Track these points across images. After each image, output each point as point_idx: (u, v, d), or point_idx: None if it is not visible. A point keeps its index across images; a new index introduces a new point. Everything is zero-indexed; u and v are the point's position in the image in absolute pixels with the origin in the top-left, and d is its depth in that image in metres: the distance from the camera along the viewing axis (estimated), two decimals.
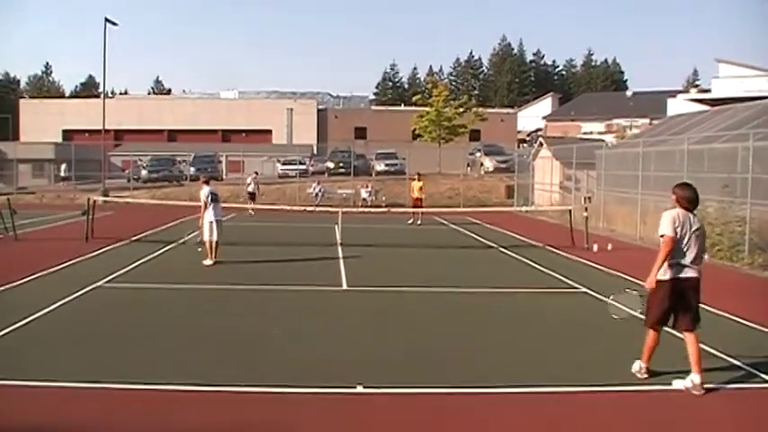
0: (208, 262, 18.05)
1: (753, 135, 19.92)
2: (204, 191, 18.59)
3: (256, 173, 39.03)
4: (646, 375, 8.71)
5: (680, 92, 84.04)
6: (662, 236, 8.36)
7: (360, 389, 8.30)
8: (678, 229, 8.33)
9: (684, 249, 8.36)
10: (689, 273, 8.37)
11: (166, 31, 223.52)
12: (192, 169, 52.65)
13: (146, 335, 10.96)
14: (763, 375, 8.70)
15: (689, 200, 8.54)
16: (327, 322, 12.15)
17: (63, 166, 54.32)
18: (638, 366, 8.81)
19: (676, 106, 62.25)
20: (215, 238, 18.33)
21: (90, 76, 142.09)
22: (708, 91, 64.55)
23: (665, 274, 8.40)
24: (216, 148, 62.28)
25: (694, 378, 8.21)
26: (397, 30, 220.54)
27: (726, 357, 8.65)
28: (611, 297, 9.60)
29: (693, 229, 8.41)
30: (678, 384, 8.35)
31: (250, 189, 36.63)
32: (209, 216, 18.33)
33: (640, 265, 19.08)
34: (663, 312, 8.47)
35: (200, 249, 18.78)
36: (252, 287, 15.22)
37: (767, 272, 17.07)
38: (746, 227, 18.53)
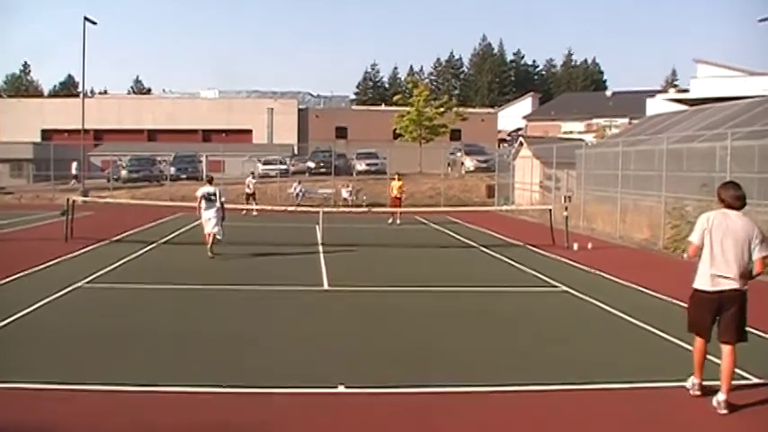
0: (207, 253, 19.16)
1: (731, 134, 20.06)
2: (200, 190, 19.90)
3: (252, 173, 39.18)
4: (698, 393, 8.09)
5: (659, 92, 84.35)
6: (689, 241, 8.04)
7: (341, 389, 8.29)
8: (708, 234, 7.80)
9: (720, 255, 7.75)
10: (726, 284, 7.73)
11: (147, 30, 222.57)
12: (173, 169, 52.48)
13: (127, 335, 10.91)
14: (743, 373, 8.75)
15: (732, 196, 7.89)
16: (308, 322, 12.14)
17: (74, 164, 53.85)
18: (690, 383, 8.22)
19: (655, 106, 62.50)
20: (208, 230, 19.44)
21: (69, 76, 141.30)
22: (686, 91, 64.80)
23: (698, 282, 7.93)
24: (196, 147, 61.99)
25: (720, 396, 7.70)
26: (378, 29, 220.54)
27: (714, 359, 8.69)
28: None
29: (735, 231, 7.74)
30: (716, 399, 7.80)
31: (249, 190, 36.53)
32: (204, 214, 19.51)
33: (620, 263, 19.32)
34: (698, 321, 8.00)
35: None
36: (232, 287, 15.19)
37: None
38: None
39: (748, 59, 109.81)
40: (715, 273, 7.75)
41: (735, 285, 7.73)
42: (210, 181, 20.49)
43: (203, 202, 19.46)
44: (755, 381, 8.52)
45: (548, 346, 10.69)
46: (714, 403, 7.76)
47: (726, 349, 7.82)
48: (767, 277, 8.86)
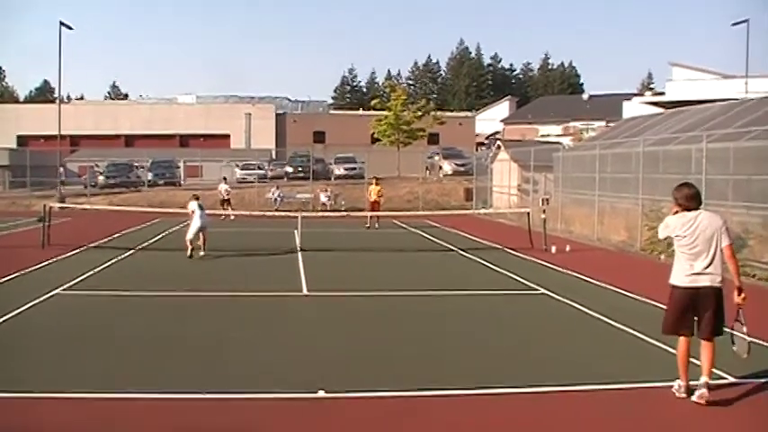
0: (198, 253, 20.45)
1: (706, 137, 20.22)
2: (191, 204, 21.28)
3: (225, 179, 39.08)
4: (685, 395, 8.06)
5: (635, 95, 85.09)
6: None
7: (321, 393, 8.28)
8: (672, 230, 8.07)
9: (693, 253, 7.92)
10: (701, 281, 7.90)
11: (123, 36, 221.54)
12: (150, 175, 52.24)
13: (105, 342, 10.84)
14: (721, 373, 8.81)
15: (686, 196, 8.07)
16: (288, 327, 12.12)
17: (61, 170, 53.31)
18: (676, 385, 8.20)
19: (632, 109, 62.97)
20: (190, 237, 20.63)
21: (45, 81, 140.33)
22: (662, 94, 65.44)
23: (675, 278, 8.08)
24: (174, 153, 61.75)
25: (702, 378, 7.93)
26: (356, 34, 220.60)
27: (695, 361, 8.73)
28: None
29: (703, 229, 7.91)
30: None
31: (221, 196, 36.44)
32: (195, 223, 20.68)
33: (598, 265, 19.43)
34: (677, 320, 8.05)
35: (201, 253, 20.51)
36: (211, 293, 15.13)
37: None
38: None
39: (723, 62, 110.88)
40: (692, 272, 7.93)
41: (710, 282, 7.90)
42: (196, 198, 21.79)
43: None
44: (732, 380, 8.59)
45: (527, 349, 10.74)
46: (695, 399, 7.90)
47: (707, 344, 8.02)
48: (744, 278, 8.92)
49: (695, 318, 8.00)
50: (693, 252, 7.91)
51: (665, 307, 8.31)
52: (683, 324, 8.04)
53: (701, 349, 8.05)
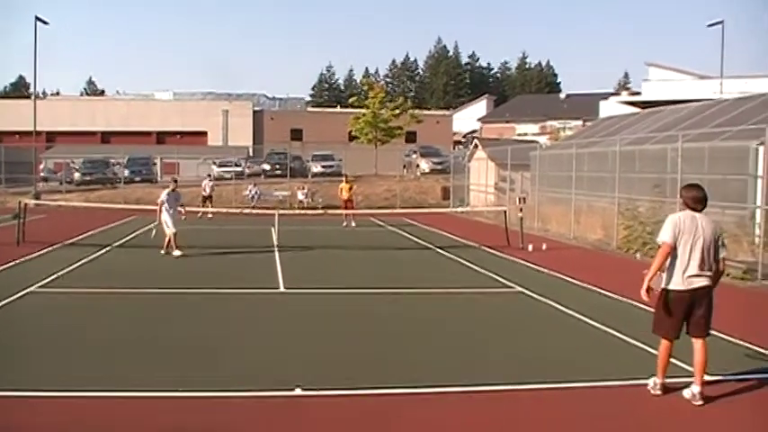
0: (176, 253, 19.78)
1: (681, 137, 20.36)
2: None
3: (209, 175, 38.87)
4: (660, 392, 8.14)
5: (612, 94, 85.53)
6: (659, 243, 8.07)
7: (298, 391, 8.26)
8: (681, 235, 7.90)
9: (691, 255, 7.88)
10: (698, 282, 7.88)
11: (99, 31, 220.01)
12: (127, 172, 51.93)
13: (80, 341, 10.78)
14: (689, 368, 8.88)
15: (695, 199, 8.05)
16: (265, 325, 12.10)
17: (42, 166, 52.91)
18: (651, 382, 8.25)
19: (608, 108, 63.28)
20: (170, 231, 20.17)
21: (20, 77, 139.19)
22: (638, 93, 65.86)
23: (672, 282, 7.96)
24: (150, 150, 61.43)
25: (695, 388, 7.92)
26: (334, 32, 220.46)
27: (677, 362, 8.78)
28: None
29: (703, 231, 7.91)
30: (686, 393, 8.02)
31: (206, 192, 36.28)
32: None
33: (574, 263, 19.51)
34: (673, 324, 7.99)
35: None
36: (187, 290, 15.09)
37: None
38: None
39: (698, 63, 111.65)
40: (689, 274, 7.88)
41: (706, 282, 7.92)
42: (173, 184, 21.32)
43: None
44: (708, 378, 8.64)
45: (503, 347, 10.78)
46: (688, 395, 7.96)
47: (698, 344, 8.00)
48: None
49: (689, 318, 7.98)
50: (692, 253, 7.88)
51: (652, 309, 8.26)
52: (678, 327, 8.00)
53: (696, 352, 7.99)
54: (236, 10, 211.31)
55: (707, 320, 7.99)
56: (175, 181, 21.56)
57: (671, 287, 7.97)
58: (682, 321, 7.98)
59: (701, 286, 7.89)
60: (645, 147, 24.35)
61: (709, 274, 7.93)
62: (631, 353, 10.19)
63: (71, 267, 17.76)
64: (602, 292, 15.27)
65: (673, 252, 7.95)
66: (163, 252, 20.00)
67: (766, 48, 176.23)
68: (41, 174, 52.50)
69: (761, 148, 18.01)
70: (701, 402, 7.85)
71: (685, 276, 7.88)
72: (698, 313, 7.93)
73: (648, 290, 8.04)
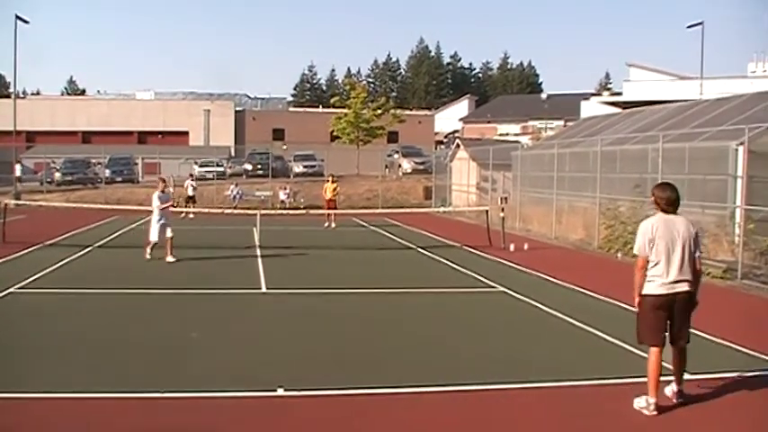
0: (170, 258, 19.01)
1: (662, 137, 20.47)
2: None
3: (191, 175, 38.69)
4: (655, 413, 7.67)
5: (593, 95, 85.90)
6: (635, 254, 7.96)
7: (280, 392, 8.26)
8: (654, 242, 7.75)
9: (669, 260, 7.73)
10: (679, 286, 7.75)
11: (80, 30, 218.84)
12: (108, 172, 51.67)
13: (61, 341, 10.72)
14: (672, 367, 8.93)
15: (668, 201, 7.89)
16: (247, 325, 12.07)
17: (17, 167, 52.40)
18: (644, 402, 7.76)
19: (589, 108, 63.61)
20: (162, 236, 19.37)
21: (0, 76, 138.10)
22: (619, 94, 66.14)
23: (652, 288, 7.81)
24: (132, 149, 61.14)
25: (674, 387, 7.97)
26: (316, 31, 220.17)
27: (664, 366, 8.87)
28: None
29: (679, 234, 7.78)
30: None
31: (189, 192, 36.17)
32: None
33: (556, 263, 19.58)
34: (659, 329, 7.80)
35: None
36: (169, 291, 15.04)
37: None
38: None
39: (678, 64, 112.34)
40: (669, 279, 7.75)
41: (687, 288, 7.80)
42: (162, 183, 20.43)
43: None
44: (687, 377, 8.67)
45: (485, 346, 10.80)
46: (668, 393, 7.95)
47: (677, 350, 7.95)
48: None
49: (672, 325, 7.87)
50: (670, 257, 7.75)
51: (634, 310, 8.17)
52: (661, 333, 7.86)
53: (675, 355, 7.96)
54: (218, 9, 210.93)
55: (689, 327, 7.93)
56: (164, 180, 20.74)
57: (651, 292, 7.83)
58: (666, 325, 7.84)
59: (682, 291, 7.77)
60: (626, 147, 24.47)
61: (689, 278, 7.81)
62: (614, 352, 10.25)
63: (52, 268, 17.65)
64: (584, 291, 15.33)
65: (649, 260, 7.84)
66: (147, 256, 19.16)
67: (745, 49, 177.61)
68: (16, 174, 52.02)
69: (740, 149, 18.14)
70: (680, 400, 7.91)
71: (665, 282, 7.76)
72: (680, 320, 7.82)
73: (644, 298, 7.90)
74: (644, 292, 7.89)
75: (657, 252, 7.77)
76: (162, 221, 19.17)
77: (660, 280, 7.78)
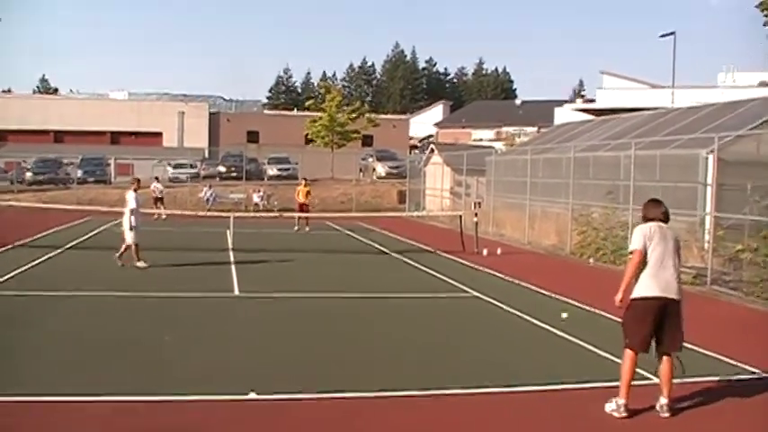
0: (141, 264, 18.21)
1: (634, 144, 20.66)
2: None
3: (157, 178, 38.45)
4: (625, 414, 7.78)
5: (566, 101, 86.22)
6: (630, 252, 8.01)
7: (252, 395, 8.26)
8: (650, 243, 7.86)
9: (662, 263, 7.85)
10: (670, 291, 7.85)
11: (53, 28, 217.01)
12: (80, 172, 51.31)
13: (30, 344, 10.64)
14: (647, 374, 9.02)
15: (665, 214, 8.14)
16: (219, 329, 12.03)
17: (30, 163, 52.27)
18: (614, 405, 7.84)
19: (563, 115, 63.87)
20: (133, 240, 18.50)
21: None
22: (593, 101, 66.40)
23: (643, 291, 7.85)
24: (104, 150, 60.78)
25: (662, 400, 7.89)
26: (291, 34, 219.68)
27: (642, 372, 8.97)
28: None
29: (671, 242, 7.95)
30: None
31: (158, 194, 36.00)
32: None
33: (529, 268, 19.70)
34: (647, 333, 7.82)
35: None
36: (140, 294, 14.94)
37: None
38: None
39: (651, 73, 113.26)
40: (661, 282, 7.83)
41: (676, 296, 7.88)
42: (134, 184, 19.33)
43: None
44: (654, 381, 8.79)
45: (457, 350, 10.85)
46: (657, 407, 7.93)
47: (666, 358, 7.97)
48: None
49: (662, 331, 7.90)
50: (662, 263, 7.85)
51: (610, 315, 8.24)
52: (650, 338, 7.88)
53: (663, 365, 7.98)
54: (194, 10, 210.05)
55: (679, 336, 7.96)
56: (139, 181, 20.05)
57: (642, 295, 7.86)
58: (654, 330, 7.87)
59: (672, 298, 7.85)
60: (598, 154, 24.65)
61: (678, 284, 7.92)
62: (586, 356, 10.34)
63: (22, 269, 17.50)
64: (557, 296, 15.43)
65: (643, 261, 7.91)
66: (119, 263, 18.29)
67: (716, 60, 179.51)
68: None
69: (710, 157, 18.35)
70: (668, 414, 7.85)
71: (657, 284, 7.83)
72: (671, 328, 7.87)
73: (622, 300, 7.95)
74: (636, 295, 7.92)
75: (652, 255, 7.88)
76: (135, 224, 18.54)
77: (652, 282, 7.85)
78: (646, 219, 8.19)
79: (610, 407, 7.88)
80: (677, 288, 7.93)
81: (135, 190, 18.82)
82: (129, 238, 18.37)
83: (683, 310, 8.03)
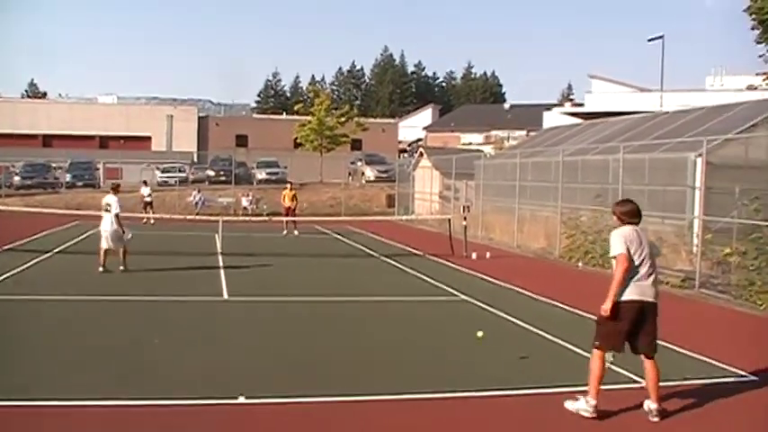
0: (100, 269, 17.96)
1: (623, 148, 20.71)
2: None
3: (145, 182, 38.25)
4: (595, 415, 7.78)
5: (555, 105, 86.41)
6: (613, 257, 7.89)
7: (242, 399, 8.23)
8: (630, 246, 7.83)
9: (640, 267, 7.85)
10: (649, 294, 7.86)
11: (42, 32, 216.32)
12: (68, 176, 51.19)
13: (17, 348, 10.57)
14: (631, 375, 9.03)
15: (631, 213, 8.09)
16: (208, 333, 12.00)
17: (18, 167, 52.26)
18: (583, 403, 7.85)
19: (552, 119, 63.96)
20: (104, 246, 18.22)
21: None
22: (581, 105, 66.57)
23: (624, 294, 7.82)
24: (93, 154, 60.57)
25: (651, 405, 7.88)
26: (280, 38, 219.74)
27: (622, 370, 8.96)
28: None
29: (646, 244, 7.96)
30: (570, 406, 7.95)
31: (148, 198, 35.90)
32: (101, 226, 18.40)
33: (517, 271, 19.73)
34: (622, 335, 7.84)
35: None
36: (129, 298, 14.89)
37: None
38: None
39: (639, 76, 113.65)
40: (640, 284, 7.83)
41: (653, 298, 7.90)
42: (114, 189, 19.10)
43: (103, 213, 18.43)
44: (642, 385, 8.80)
45: (446, 354, 10.85)
46: (645, 409, 7.94)
47: (649, 363, 7.95)
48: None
49: (637, 333, 7.91)
50: (641, 264, 7.86)
51: (594, 318, 8.20)
52: (624, 340, 7.90)
53: (648, 370, 7.97)
54: (182, 15, 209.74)
55: (655, 337, 7.99)
56: (118, 185, 19.98)
57: (621, 299, 7.83)
58: (626, 335, 7.88)
59: (648, 301, 7.86)
60: (587, 157, 24.72)
61: (656, 286, 7.95)
62: (573, 360, 10.33)
63: (11, 273, 17.41)
64: (546, 300, 15.45)
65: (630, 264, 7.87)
66: (121, 267, 18.08)
67: (704, 63, 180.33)
68: None
69: (699, 160, 18.40)
70: (657, 419, 7.84)
71: (636, 287, 7.83)
72: (646, 330, 7.88)
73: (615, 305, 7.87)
74: (617, 298, 7.89)
75: (633, 256, 7.86)
76: (116, 228, 18.25)
77: (632, 287, 7.84)
78: (620, 219, 8.14)
79: (576, 405, 7.86)
80: (654, 291, 7.94)
81: (116, 194, 18.70)
82: (122, 242, 18.31)
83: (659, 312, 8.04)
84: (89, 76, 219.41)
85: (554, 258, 22.83)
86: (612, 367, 8.27)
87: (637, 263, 7.85)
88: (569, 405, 7.95)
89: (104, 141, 76.68)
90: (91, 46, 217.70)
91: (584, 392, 7.95)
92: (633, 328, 7.86)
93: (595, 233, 20.98)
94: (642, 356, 8.02)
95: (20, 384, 8.66)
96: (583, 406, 7.85)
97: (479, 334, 11.16)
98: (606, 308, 7.81)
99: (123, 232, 18.27)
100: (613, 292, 7.81)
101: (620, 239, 7.89)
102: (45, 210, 33.44)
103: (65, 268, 19.23)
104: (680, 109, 28.95)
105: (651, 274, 7.93)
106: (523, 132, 79.84)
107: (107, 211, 18.27)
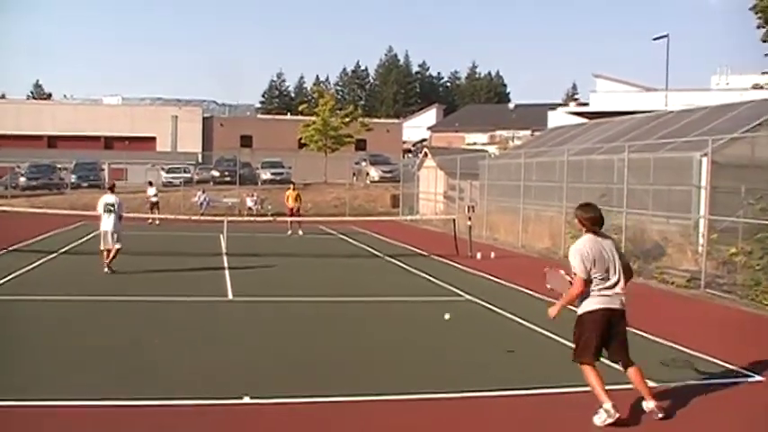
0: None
1: (628, 147, 20.67)
2: (100, 201, 18.66)
3: (151, 183, 38.23)
4: (618, 415, 7.60)
5: (560, 105, 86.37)
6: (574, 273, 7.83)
7: (247, 399, 8.23)
8: (592, 261, 7.70)
9: (606, 276, 7.77)
10: (616, 302, 7.82)
11: (47, 33, 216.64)
12: (74, 177, 51.28)
13: (21, 348, 10.59)
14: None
15: (593, 221, 7.91)
16: (213, 333, 12.00)
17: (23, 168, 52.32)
18: (603, 414, 7.64)
19: (556, 119, 63.95)
20: (102, 246, 18.22)
21: None
22: (586, 104, 66.55)
23: (588, 306, 7.82)
24: (98, 155, 60.65)
25: (648, 404, 7.84)
26: (285, 39, 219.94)
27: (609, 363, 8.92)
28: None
29: (608, 251, 7.83)
30: (597, 421, 7.70)
31: (154, 199, 35.92)
32: (102, 226, 18.26)
33: (522, 272, 19.68)
34: (594, 347, 7.81)
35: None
36: (135, 298, 14.90)
37: (641, 278, 17.67)
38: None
39: (644, 76, 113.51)
40: (604, 295, 7.79)
41: (620, 306, 7.86)
42: (112, 188, 19.29)
43: (103, 213, 18.31)
44: (652, 384, 8.76)
45: (451, 353, 10.84)
46: (646, 409, 7.89)
47: (631, 370, 7.92)
48: (663, 285, 9.20)
49: (610, 341, 7.90)
50: (606, 276, 7.80)
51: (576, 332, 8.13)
52: (598, 350, 7.88)
53: (633, 377, 7.93)
54: (186, 16, 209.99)
55: (627, 344, 7.95)
56: (114, 185, 20.03)
57: (588, 309, 7.85)
58: (600, 345, 7.85)
59: (617, 308, 7.83)
60: (592, 157, 24.68)
61: (623, 293, 7.87)
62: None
63: (16, 274, 17.43)
64: (550, 300, 15.36)
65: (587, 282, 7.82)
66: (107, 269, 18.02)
67: (709, 62, 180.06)
68: None
69: (704, 160, 18.36)
70: (662, 415, 7.79)
71: (601, 299, 7.80)
72: (618, 338, 7.88)
73: (555, 317, 8.09)
74: (583, 310, 7.90)
75: (595, 275, 7.77)
76: (119, 228, 18.30)
77: (598, 297, 7.81)
78: (582, 225, 8.01)
79: (601, 418, 7.70)
80: (621, 299, 7.88)
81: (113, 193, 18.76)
82: (120, 242, 18.24)
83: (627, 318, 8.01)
84: (94, 77, 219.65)
85: (559, 258, 22.74)
86: (613, 366, 8.23)
87: (600, 276, 7.76)
88: (596, 420, 7.75)
89: (109, 142, 76.76)
90: (95, 47, 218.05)
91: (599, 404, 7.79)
92: (604, 335, 7.83)
93: None
94: (623, 366, 7.97)
95: (20, 384, 8.67)
96: (604, 416, 7.70)
97: (446, 316, 11.25)
98: (551, 314, 8.09)
99: (117, 233, 18.19)
100: (561, 304, 8.04)
101: (579, 260, 7.77)
102: (50, 210, 33.49)
103: (69, 269, 19.24)
104: (685, 108, 28.89)
105: (618, 283, 7.84)
106: (528, 132, 79.78)
107: (109, 210, 18.23)
